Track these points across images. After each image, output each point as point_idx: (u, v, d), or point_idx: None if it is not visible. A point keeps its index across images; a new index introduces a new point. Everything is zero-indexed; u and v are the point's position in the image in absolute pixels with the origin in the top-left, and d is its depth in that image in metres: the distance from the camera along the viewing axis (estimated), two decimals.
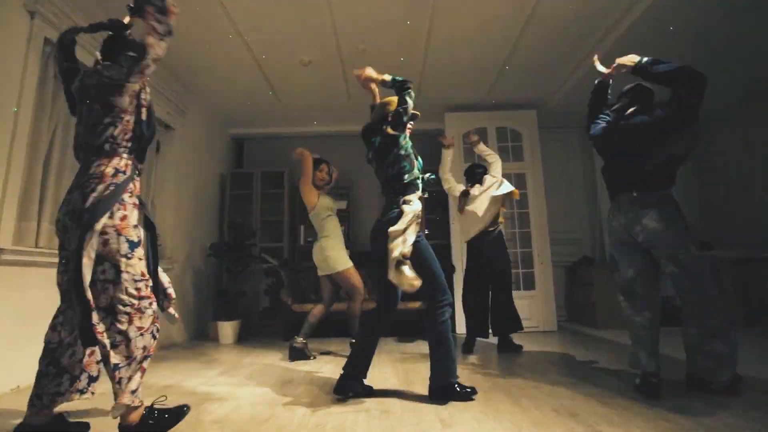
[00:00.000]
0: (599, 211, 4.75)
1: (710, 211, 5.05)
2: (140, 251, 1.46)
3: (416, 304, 3.70)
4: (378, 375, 2.36)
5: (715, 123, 4.98)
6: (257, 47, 3.44)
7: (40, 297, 2.37)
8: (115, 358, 1.33)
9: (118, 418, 1.38)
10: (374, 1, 2.91)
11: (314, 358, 2.87)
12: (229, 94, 4.27)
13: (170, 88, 3.69)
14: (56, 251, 2.42)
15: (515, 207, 4.50)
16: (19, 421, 1.46)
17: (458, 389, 1.81)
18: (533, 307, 4.26)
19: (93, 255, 1.33)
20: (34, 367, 2.31)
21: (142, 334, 1.38)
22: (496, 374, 2.39)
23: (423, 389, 1.96)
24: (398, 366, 2.63)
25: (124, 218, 1.41)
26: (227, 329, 3.68)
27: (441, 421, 1.58)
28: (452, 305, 1.95)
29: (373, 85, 2.24)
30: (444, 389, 1.82)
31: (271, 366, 2.71)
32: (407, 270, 1.67)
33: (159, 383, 2.26)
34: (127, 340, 1.36)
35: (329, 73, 3.89)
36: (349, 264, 2.95)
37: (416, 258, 1.79)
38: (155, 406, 1.49)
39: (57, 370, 1.46)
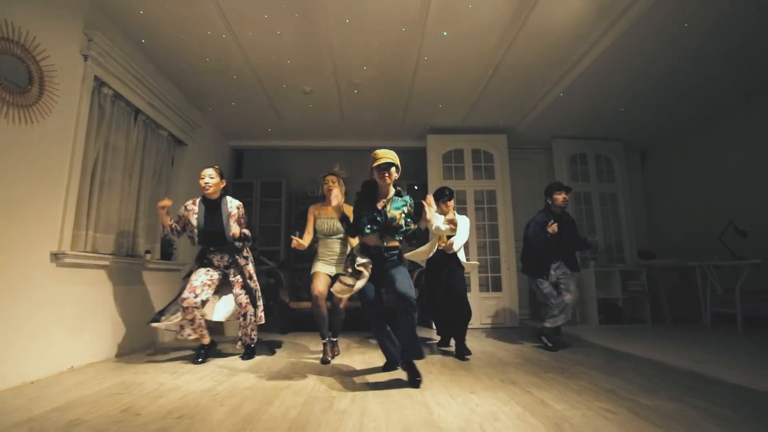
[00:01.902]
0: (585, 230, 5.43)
1: (656, 225, 5.83)
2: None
3: None
4: (369, 360, 2.93)
5: (662, 147, 5.76)
6: (266, 78, 3.96)
7: (90, 292, 2.86)
8: None
9: None
10: (368, 44, 3.45)
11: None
12: (235, 113, 4.75)
13: (184, 108, 4.15)
14: (102, 255, 2.91)
15: (486, 219, 5.13)
16: (76, 396, 1.97)
17: (413, 372, 2.27)
18: (500, 306, 4.90)
19: None
20: (88, 351, 2.85)
21: None
22: (455, 358, 2.99)
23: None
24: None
25: None
26: (236, 324, 4.16)
27: (416, 387, 2.16)
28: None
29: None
30: (408, 363, 2.30)
31: (277, 353, 3.24)
32: None
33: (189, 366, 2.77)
34: None
35: (327, 100, 4.44)
36: (315, 269, 3.10)
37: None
38: None
39: None
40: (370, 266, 2.38)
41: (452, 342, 3.42)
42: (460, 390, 2.12)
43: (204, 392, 2.08)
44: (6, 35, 2.19)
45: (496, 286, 5.00)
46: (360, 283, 2.32)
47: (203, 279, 2.93)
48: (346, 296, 2.44)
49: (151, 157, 3.70)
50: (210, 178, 3.02)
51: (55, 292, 2.52)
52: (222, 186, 3.14)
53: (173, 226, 3.03)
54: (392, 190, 2.47)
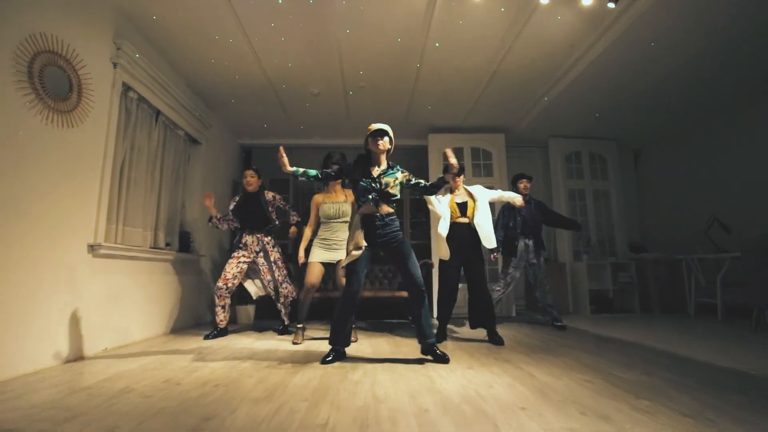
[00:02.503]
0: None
1: (647, 221, 6.09)
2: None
3: (404, 294, 4.55)
4: (375, 344, 3.20)
5: (654, 146, 6.00)
6: (276, 79, 4.19)
7: (122, 281, 3.12)
8: None
9: None
10: (375, 48, 3.68)
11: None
12: (245, 112, 4.98)
13: (198, 108, 4.38)
14: (130, 246, 3.17)
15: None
16: (120, 370, 2.24)
17: (438, 353, 2.53)
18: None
19: None
20: (122, 333, 3.13)
21: None
22: (460, 341, 3.25)
23: (409, 353, 2.80)
24: (389, 339, 3.48)
25: None
26: (247, 311, 4.44)
27: (421, 364, 2.43)
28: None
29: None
30: (429, 348, 2.55)
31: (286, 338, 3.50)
32: None
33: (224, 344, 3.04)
34: None
35: (334, 101, 4.68)
36: (309, 259, 3.27)
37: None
38: None
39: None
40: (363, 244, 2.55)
41: (452, 329, 3.69)
42: (458, 366, 2.38)
43: (231, 368, 2.35)
44: (52, 48, 2.44)
45: (494, 279, 5.26)
46: (357, 252, 2.51)
47: (234, 271, 3.57)
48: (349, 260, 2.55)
49: (170, 155, 3.95)
50: (251, 177, 3.81)
51: (91, 281, 2.78)
52: (259, 182, 3.88)
53: (218, 216, 3.72)
54: (385, 162, 2.67)
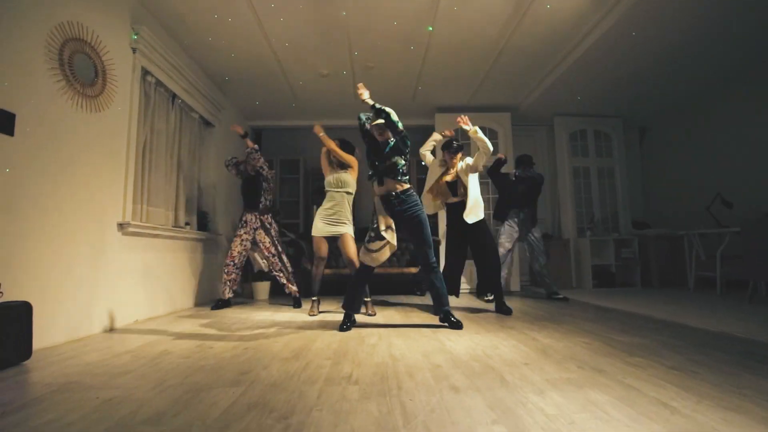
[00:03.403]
0: (558, 196, 5.80)
1: (651, 198, 6.17)
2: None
3: (413, 270, 4.74)
4: (387, 315, 3.40)
5: (659, 124, 6.04)
6: (285, 61, 4.28)
7: (148, 257, 3.31)
8: None
9: None
10: (383, 30, 3.75)
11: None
12: (255, 94, 5.08)
13: (211, 91, 4.49)
14: (154, 225, 3.35)
15: (490, 193, 5.51)
16: (156, 338, 2.44)
17: (453, 320, 2.74)
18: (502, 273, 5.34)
19: None
20: (150, 306, 3.35)
21: None
22: (468, 312, 3.44)
23: (420, 321, 2.99)
24: (400, 310, 3.68)
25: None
26: (263, 287, 4.65)
27: (431, 330, 2.62)
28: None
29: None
30: (445, 314, 2.75)
31: (302, 310, 3.71)
32: None
33: (243, 315, 3.25)
34: None
35: (342, 82, 4.76)
36: (313, 233, 3.44)
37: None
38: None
39: None
40: (394, 232, 2.73)
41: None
42: (466, 332, 2.57)
43: (257, 334, 2.55)
44: (78, 36, 2.56)
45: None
46: (387, 253, 2.70)
47: (239, 249, 3.87)
48: (382, 259, 2.73)
49: (186, 138, 4.09)
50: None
51: (122, 257, 2.97)
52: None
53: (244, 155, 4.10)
54: (390, 143, 2.82)
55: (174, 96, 3.84)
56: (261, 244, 3.97)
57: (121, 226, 2.96)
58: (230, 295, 3.87)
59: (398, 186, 2.76)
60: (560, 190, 5.75)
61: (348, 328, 2.67)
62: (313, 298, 3.45)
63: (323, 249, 3.40)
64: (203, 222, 4.39)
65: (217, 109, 4.71)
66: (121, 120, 3.01)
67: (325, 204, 3.46)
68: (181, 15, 3.46)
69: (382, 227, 2.71)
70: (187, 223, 4.05)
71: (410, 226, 2.75)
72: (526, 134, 6.05)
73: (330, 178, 3.48)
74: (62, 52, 2.44)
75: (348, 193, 3.49)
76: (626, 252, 5.23)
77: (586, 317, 3.09)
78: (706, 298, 4.06)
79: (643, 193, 6.27)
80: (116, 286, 2.90)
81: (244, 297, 4.87)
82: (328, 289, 4.70)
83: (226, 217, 4.99)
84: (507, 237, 4.25)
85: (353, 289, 2.78)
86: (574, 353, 1.98)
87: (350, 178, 3.49)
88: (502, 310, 3.37)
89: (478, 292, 3.56)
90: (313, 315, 3.34)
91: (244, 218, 3.98)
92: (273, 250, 3.99)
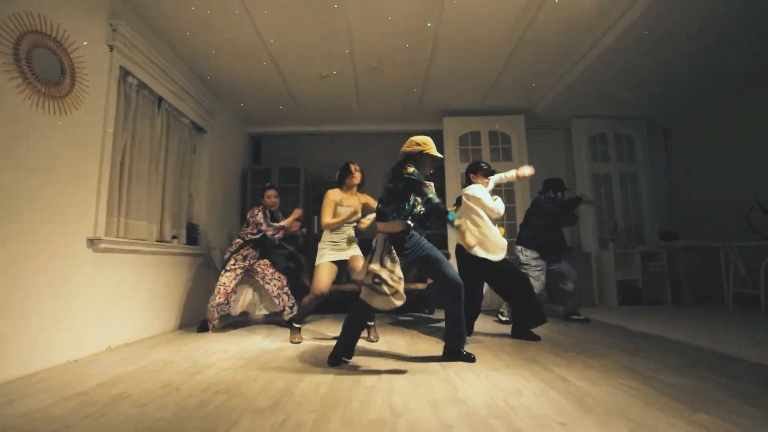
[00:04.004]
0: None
1: (678, 206, 5.70)
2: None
3: (420, 286, 4.36)
4: (390, 341, 3.02)
5: (686, 124, 5.60)
6: (282, 62, 3.97)
7: (124, 276, 2.98)
8: None
9: None
10: (386, 25, 3.43)
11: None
12: (252, 99, 4.79)
13: (203, 95, 4.20)
14: (133, 240, 3.03)
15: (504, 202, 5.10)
16: (118, 372, 2.09)
17: (464, 354, 2.36)
18: None
19: None
20: (127, 330, 2.99)
21: None
22: (482, 338, 3.04)
23: (427, 351, 2.61)
24: (406, 335, 3.29)
25: None
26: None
27: (441, 365, 2.23)
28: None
29: None
30: (456, 352, 2.36)
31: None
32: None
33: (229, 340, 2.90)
34: None
35: (344, 85, 4.44)
36: (319, 261, 2.99)
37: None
38: None
39: None
40: (402, 280, 2.23)
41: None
42: (482, 368, 2.18)
43: (237, 369, 2.19)
44: (39, 29, 2.26)
45: None
46: (399, 302, 2.18)
47: (233, 284, 3.50)
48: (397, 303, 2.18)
49: (174, 144, 3.79)
50: (275, 197, 3.70)
51: (92, 277, 2.65)
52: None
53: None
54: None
55: (160, 99, 3.55)
56: (260, 275, 3.62)
57: (92, 242, 2.64)
58: (216, 323, 3.51)
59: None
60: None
61: (340, 362, 2.29)
62: (297, 325, 3.07)
63: (326, 281, 2.90)
64: (193, 235, 4.07)
65: (210, 114, 4.42)
66: (94, 124, 2.71)
67: (332, 236, 3.06)
68: (166, 11, 3.18)
69: (391, 275, 2.18)
70: (174, 237, 3.73)
71: (428, 261, 2.36)
72: (541, 139, 5.65)
73: (345, 213, 3.04)
74: (18, 46, 2.14)
75: (354, 223, 3.16)
76: (654, 266, 4.78)
77: (620, 346, 2.67)
78: (751, 320, 3.60)
79: (669, 201, 5.81)
80: (85, 309, 2.57)
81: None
82: (331, 306, 4.34)
83: (221, 230, 4.68)
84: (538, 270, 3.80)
85: (353, 330, 2.32)
86: (618, 404, 1.58)
87: (360, 210, 3.14)
88: (529, 336, 2.98)
89: (516, 331, 3.09)
90: (297, 342, 2.97)
91: (243, 252, 3.56)
92: (277, 276, 3.67)
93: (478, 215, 3.07)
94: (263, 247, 3.67)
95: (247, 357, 2.50)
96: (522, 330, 3.03)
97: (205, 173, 4.36)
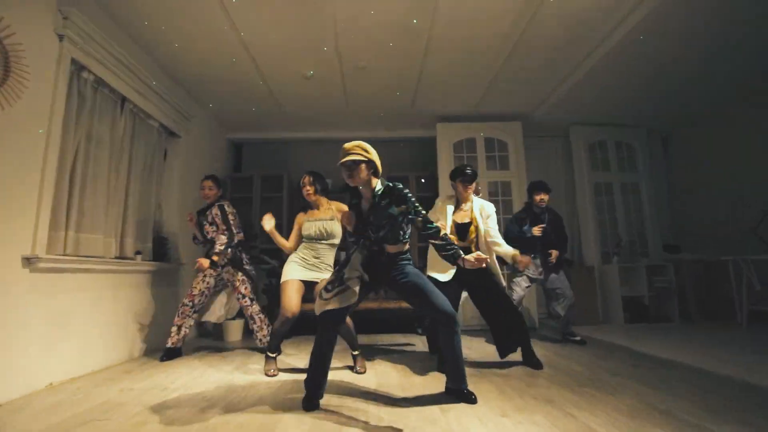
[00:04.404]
0: (577, 216, 5.11)
1: (679, 217, 5.46)
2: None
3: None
4: (381, 371, 2.65)
5: (686, 131, 5.38)
6: (262, 60, 3.64)
7: (71, 299, 2.58)
8: None
9: None
10: (376, 21, 3.14)
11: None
12: (232, 102, 4.44)
13: (177, 96, 3.85)
14: (84, 257, 2.64)
15: (501, 212, 4.80)
16: (46, 424, 1.69)
17: (465, 392, 2.00)
18: None
19: None
20: (70, 364, 2.56)
21: None
22: (483, 367, 2.69)
23: (423, 387, 2.25)
24: (398, 365, 2.93)
25: None
26: (235, 327, 3.90)
27: (440, 408, 1.87)
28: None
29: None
30: (456, 391, 2.02)
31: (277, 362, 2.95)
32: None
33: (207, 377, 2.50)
34: None
35: (330, 86, 4.12)
36: (284, 278, 2.65)
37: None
38: None
39: None
40: (359, 283, 1.94)
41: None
42: (488, 411, 1.83)
43: (195, 415, 1.81)
44: None
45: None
46: (337, 301, 1.89)
47: (201, 287, 3.19)
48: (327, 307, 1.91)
49: (140, 149, 3.42)
50: (209, 189, 3.34)
51: (29, 302, 2.25)
52: (217, 194, 3.38)
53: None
54: (376, 187, 1.98)
55: (124, 99, 3.19)
56: (231, 285, 3.29)
57: (29, 261, 2.25)
58: (179, 344, 3.14)
59: (397, 247, 2.01)
60: (580, 210, 5.07)
61: (316, 406, 1.92)
62: (271, 355, 2.69)
63: (295, 301, 2.54)
64: (162, 250, 3.67)
65: (185, 118, 4.05)
66: (35, 122, 2.34)
67: (302, 251, 2.75)
68: (131, 1, 2.84)
69: (349, 275, 1.94)
70: (138, 252, 3.33)
71: (410, 286, 1.99)
72: (538, 146, 5.39)
73: (309, 228, 2.73)
74: None
75: (333, 245, 2.80)
76: (660, 281, 4.51)
77: (641, 378, 2.35)
78: None
79: (669, 211, 5.57)
80: (19, 340, 2.17)
81: (212, 338, 4.11)
82: (310, 327, 3.95)
83: (190, 242, 4.26)
84: (522, 291, 3.53)
85: (320, 363, 1.94)
86: None
87: (338, 227, 2.78)
88: (531, 362, 2.64)
89: (502, 351, 2.76)
90: (272, 375, 2.59)
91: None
92: (247, 291, 3.28)
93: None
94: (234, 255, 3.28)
95: (210, 397, 2.11)
96: (525, 355, 2.70)
97: (177, 181, 3.97)
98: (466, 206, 2.84)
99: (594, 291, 4.56)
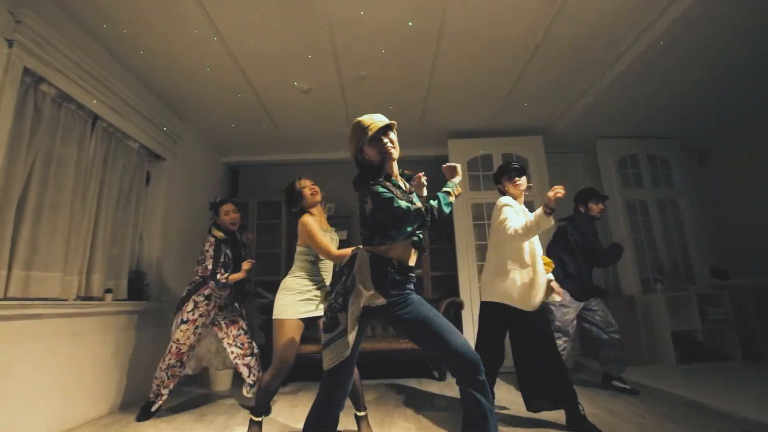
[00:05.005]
0: (610, 236, 4.56)
1: (726, 237, 4.85)
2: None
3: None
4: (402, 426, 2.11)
5: (726, 143, 4.85)
6: (253, 74, 3.29)
7: (13, 353, 2.11)
8: None
9: None
10: (377, 25, 2.78)
11: None
12: (224, 122, 4.08)
13: (162, 116, 3.51)
14: (30, 301, 2.20)
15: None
16: None
17: None
18: None
19: None
20: (23, 427, 2.01)
21: None
22: (517, 425, 2.13)
23: None
24: (411, 423, 2.37)
25: None
26: (223, 375, 3.39)
27: None
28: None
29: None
30: None
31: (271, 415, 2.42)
32: None
33: None
34: None
35: (329, 100, 3.74)
36: (285, 315, 2.06)
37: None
38: None
39: None
40: (358, 324, 1.47)
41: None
42: None
43: None
44: None
45: None
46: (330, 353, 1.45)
47: (192, 339, 2.67)
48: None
49: (115, 173, 3.03)
50: (234, 212, 2.93)
51: None
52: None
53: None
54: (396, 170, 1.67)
55: (96, 117, 2.83)
56: (223, 332, 2.81)
57: None
58: (165, 405, 2.66)
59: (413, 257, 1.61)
60: (613, 230, 4.52)
61: None
62: (256, 419, 2.14)
63: (296, 348, 2.03)
64: (139, 286, 3.22)
65: (172, 139, 3.69)
66: None
67: (305, 281, 2.17)
68: (101, 7, 2.51)
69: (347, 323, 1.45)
70: (108, 290, 2.88)
71: (436, 324, 1.48)
72: (558, 163, 4.89)
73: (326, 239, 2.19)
74: None
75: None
76: (715, 312, 3.89)
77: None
78: None
79: (714, 232, 4.97)
80: None
81: (198, 385, 3.59)
82: (309, 371, 3.42)
83: (181, 278, 3.79)
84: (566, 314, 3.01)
85: (324, 423, 1.49)
86: None
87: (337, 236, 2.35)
88: (582, 427, 2.07)
89: (533, 403, 2.23)
90: None
91: (204, 292, 2.73)
92: (240, 342, 2.80)
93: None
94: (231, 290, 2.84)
95: None
96: (573, 419, 2.13)
97: (161, 208, 3.56)
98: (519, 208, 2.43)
99: (637, 325, 3.95)
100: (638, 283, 4.24)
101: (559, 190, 2.09)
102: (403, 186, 1.64)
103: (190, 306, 2.66)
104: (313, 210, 2.31)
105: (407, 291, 1.53)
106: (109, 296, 2.86)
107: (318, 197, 2.33)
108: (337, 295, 1.50)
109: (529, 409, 2.24)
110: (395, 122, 1.66)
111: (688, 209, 4.58)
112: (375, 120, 1.59)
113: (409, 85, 3.56)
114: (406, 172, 1.79)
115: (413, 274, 1.58)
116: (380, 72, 3.35)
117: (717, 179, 5.00)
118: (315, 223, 2.17)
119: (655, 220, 4.52)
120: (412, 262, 1.58)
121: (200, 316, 2.67)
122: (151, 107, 3.34)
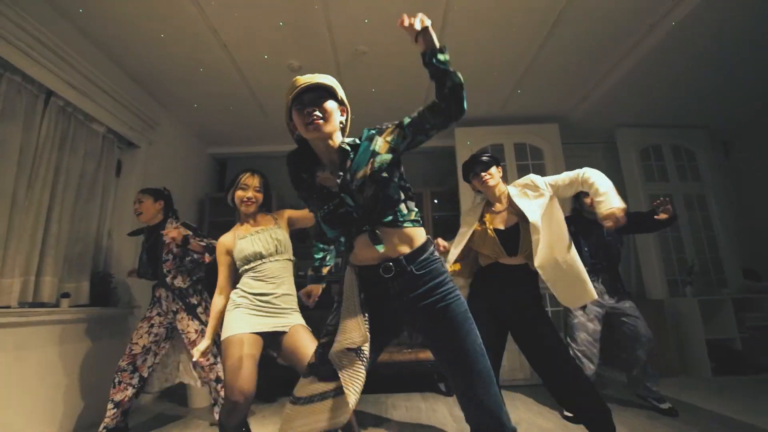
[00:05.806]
0: (633, 237, 4.17)
1: (753, 237, 4.47)
2: None
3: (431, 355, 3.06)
4: None
5: (754, 135, 4.47)
6: (237, 51, 2.90)
7: None
8: None
9: None
10: None
11: None
12: (207, 107, 3.70)
13: (135, 98, 3.12)
14: None
15: None
16: None
17: None
18: None
19: None
20: None
21: None
22: None
23: None
24: None
25: None
26: (201, 391, 2.99)
27: None
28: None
29: None
30: None
31: None
32: None
33: None
34: None
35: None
36: (229, 332, 1.67)
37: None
38: None
39: None
40: (362, 366, 1.10)
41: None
42: None
43: None
44: None
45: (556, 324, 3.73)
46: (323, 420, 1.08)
47: (145, 341, 2.32)
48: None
49: (76, 159, 2.65)
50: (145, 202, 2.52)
51: None
52: (159, 209, 2.55)
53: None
54: (337, 140, 1.24)
55: (50, 93, 2.44)
56: (184, 337, 2.36)
57: None
58: (122, 422, 2.27)
59: (403, 246, 1.16)
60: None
61: None
62: None
63: (248, 373, 1.57)
64: (105, 289, 2.83)
65: (148, 125, 3.30)
66: None
67: (248, 286, 1.78)
68: None
69: (339, 352, 1.10)
70: (64, 295, 2.49)
71: (436, 330, 1.12)
72: (576, 154, 4.51)
73: (247, 247, 1.80)
74: None
75: (289, 260, 1.89)
76: (754, 318, 3.50)
77: None
78: None
79: (740, 232, 4.57)
80: None
81: (174, 401, 3.19)
82: (284, 385, 3.01)
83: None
84: (586, 317, 2.67)
85: None
86: None
87: (284, 234, 1.89)
88: None
89: (574, 412, 1.85)
90: None
91: (157, 293, 2.44)
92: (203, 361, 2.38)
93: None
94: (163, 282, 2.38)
95: None
96: None
97: (130, 201, 3.15)
98: (501, 205, 1.95)
99: (666, 332, 3.55)
100: (665, 286, 3.85)
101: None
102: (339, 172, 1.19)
103: (150, 304, 2.42)
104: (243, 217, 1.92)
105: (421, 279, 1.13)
106: (65, 301, 2.46)
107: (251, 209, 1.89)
108: None
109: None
110: (332, 83, 1.23)
111: (717, 205, 4.18)
112: (303, 80, 1.18)
113: (412, 64, 3.16)
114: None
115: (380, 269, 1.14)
116: (380, 48, 2.96)
117: (741, 172, 4.61)
118: (223, 244, 1.87)
119: (682, 217, 4.12)
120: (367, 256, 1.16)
121: (157, 314, 2.37)
122: (120, 87, 2.96)
